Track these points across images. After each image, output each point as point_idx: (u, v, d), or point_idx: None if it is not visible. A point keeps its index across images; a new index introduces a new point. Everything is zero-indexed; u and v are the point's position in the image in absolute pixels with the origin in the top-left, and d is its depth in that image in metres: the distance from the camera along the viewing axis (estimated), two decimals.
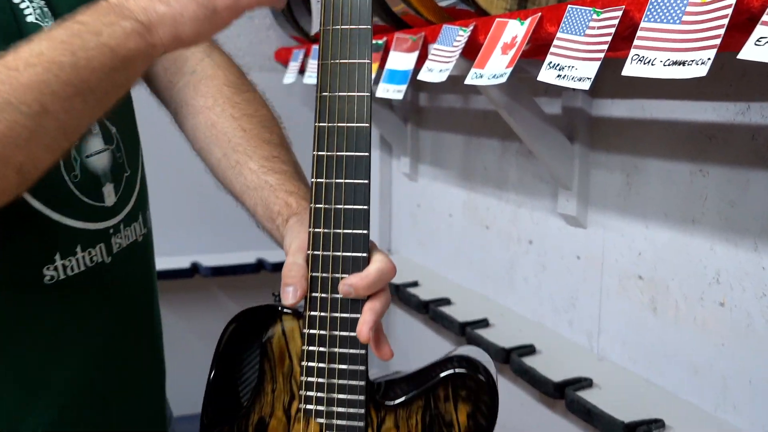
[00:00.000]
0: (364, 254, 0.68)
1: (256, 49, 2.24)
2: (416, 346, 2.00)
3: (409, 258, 2.16)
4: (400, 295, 1.87)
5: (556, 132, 1.39)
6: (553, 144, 1.40)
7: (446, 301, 1.74)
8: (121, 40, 0.61)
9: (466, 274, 1.84)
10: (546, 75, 0.93)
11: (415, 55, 1.33)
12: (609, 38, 0.84)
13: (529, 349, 1.42)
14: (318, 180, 0.67)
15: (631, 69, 0.78)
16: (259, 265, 2.16)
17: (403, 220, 2.20)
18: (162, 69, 0.90)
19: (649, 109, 1.25)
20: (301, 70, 2.01)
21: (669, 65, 0.75)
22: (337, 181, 0.66)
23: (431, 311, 1.72)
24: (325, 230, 0.67)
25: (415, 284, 1.89)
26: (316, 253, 0.67)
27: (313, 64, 1.86)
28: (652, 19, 0.78)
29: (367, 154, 0.66)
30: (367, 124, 0.65)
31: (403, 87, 1.31)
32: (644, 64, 0.77)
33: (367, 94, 0.65)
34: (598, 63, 0.85)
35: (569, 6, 0.93)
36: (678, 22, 0.76)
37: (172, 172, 2.13)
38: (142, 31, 0.62)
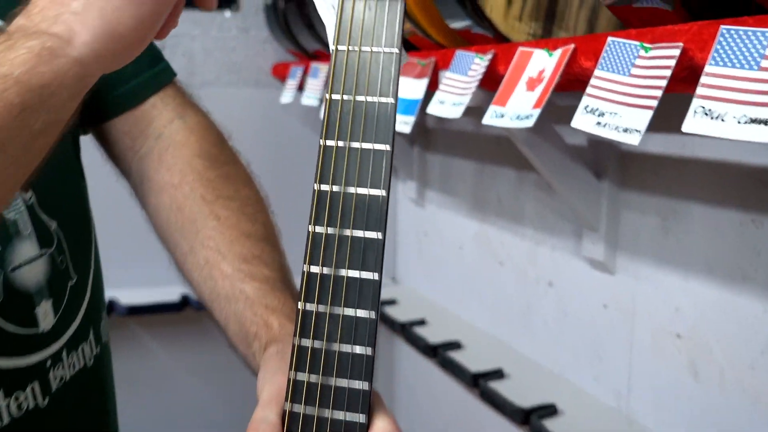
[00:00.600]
0: (362, 417, 0.49)
1: (252, 64, 2.09)
2: (426, 389, 1.86)
3: (414, 288, 2.01)
4: (407, 334, 1.72)
5: (581, 167, 1.25)
6: (577, 180, 1.25)
7: (456, 345, 1.59)
8: (29, 66, 0.42)
9: (478, 313, 1.69)
10: (582, 121, 0.78)
11: (424, 82, 1.18)
12: (663, 83, 0.69)
13: (551, 410, 1.27)
14: (307, 307, 0.49)
15: (693, 124, 0.63)
16: None
17: (408, 248, 2.05)
18: (121, 132, 0.72)
19: (691, 145, 1.10)
20: (300, 88, 1.86)
21: (746, 123, 0.60)
22: (333, 310, 0.48)
23: (440, 356, 1.57)
24: (312, 377, 0.48)
25: (422, 323, 1.74)
26: (295, 408, 0.49)
27: (312, 83, 1.72)
28: (721, 63, 0.63)
29: (376, 276, 0.48)
30: (380, 235, 0.48)
31: (411, 118, 1.16)
32: (711, 119, 0.62)
33: (384, 193, 0.48)
34: (650, 113, 0.69)
35: (610, 38, 0.78)
36: (755, 67, 0.61)
37: None
38: (57, 45, 0.43)
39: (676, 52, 0.69)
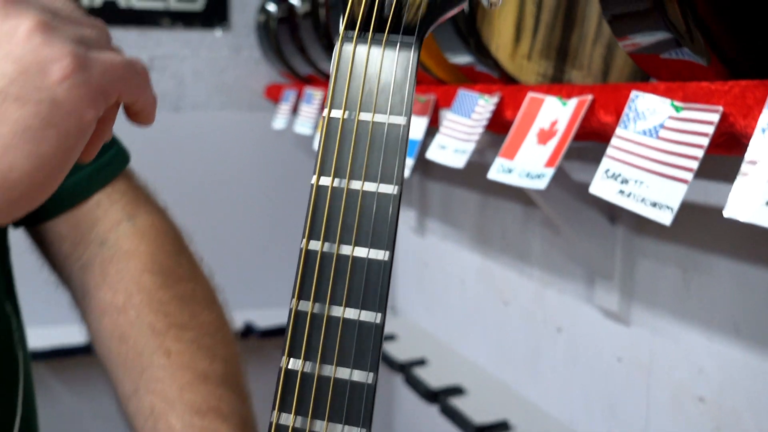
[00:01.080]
0: None
1: (244, 85, 2.00)
2: None
3: (415, 321, 1.92)
4: (406, 375, 1.62)
5: (592, 209, 1.15)
6: (589, 224, 1.16)
7: (458, 390, 1.49)
8: None
9: (481, 353, 1.60)
10: (602, 187, 0.69)
11: (424, 120, 1.09)
12: (699, 152, 0.60)
13: None
14: None
15: (737, 209, 0.54)
16: (248, 330, 1.92)
17: (408, 278, 1.96)
18: (58, 237, 0.61)
19: (715, 193, 1.00)
20: (294, 110, 1.77)
21: None
22: None
23: (442, 403, 1.47)
24: None
25: (422, 362, 1.65)
26: None
27: (305, 110, 1.62)
28: None
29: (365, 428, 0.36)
30: (371, 379, 0.36)
31: (409, 161, 1.07)
32: (763, 204, 0.53)
33: (371, 379, 0.36)
34: (684, 187, 0.60)
35: (634, 93, 0.68)
36: None
37: None
38: None
39: (715, 118, 0.59)
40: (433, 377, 1.56)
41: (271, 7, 1.72)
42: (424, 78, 1.17)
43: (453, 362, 1.64)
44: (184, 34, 1.92)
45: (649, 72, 0.71)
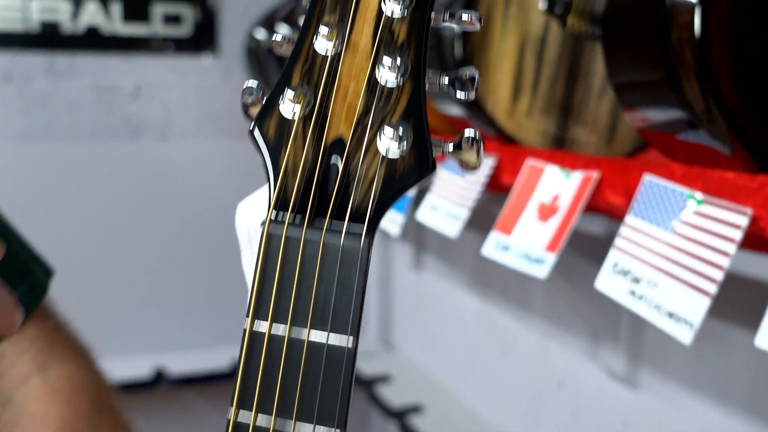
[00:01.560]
0: None
1: (234, 112, 1.91)
2: None
3: (411, 359, 1.84)
4: (402, 424, 1.54)
5: (595, 263, 1.07)
6: (592, 279, 1.08)
7: None
8: None
9: (480, 400, 1.52)
10: (609, 284, 0.61)
11: None
12: (726, 261, 0.52)
13: None
14: None
15: None
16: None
17: (405, 313, 1.88)
18: None
19: (733, 259, 0.93)
20: None
21: None
22: None
23: None
24: None
25: (417, 409, 1.57)
26: None
27: None
28: None
29: None
30: None
31: (401, 217, 0.99)
32: None
33: None
34: (707, 301, 0.52)
35: (647, 178, 0.60)
36: None
37: (114, 255, 1.82)
38: None
39: (743, 221, 0.51)
40: (430, 428, 1.48)
41: (260, 35, 1.64)
42: None
43: (451, 409, 1.56)
44: (171, 60, 1.84)
45: (661, 152, 0.63)
